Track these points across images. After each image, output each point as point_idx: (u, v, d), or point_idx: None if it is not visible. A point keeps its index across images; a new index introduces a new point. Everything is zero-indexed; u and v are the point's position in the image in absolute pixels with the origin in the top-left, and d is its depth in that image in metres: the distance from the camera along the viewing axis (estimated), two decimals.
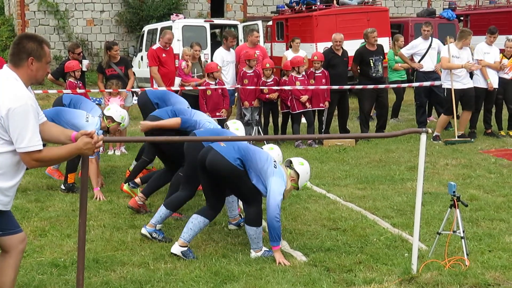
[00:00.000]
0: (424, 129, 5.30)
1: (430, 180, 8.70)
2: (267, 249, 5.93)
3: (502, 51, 12.42)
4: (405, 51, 13.15)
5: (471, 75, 12.00)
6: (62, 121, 7.72)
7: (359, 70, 12.37)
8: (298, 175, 6.11)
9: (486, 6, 25.93)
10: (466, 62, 11.50)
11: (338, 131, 12.44)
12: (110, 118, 8.27)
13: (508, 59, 12.26)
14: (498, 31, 12.50)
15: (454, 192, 5.60)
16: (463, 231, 5.60)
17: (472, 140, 11.68)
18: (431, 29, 12.90)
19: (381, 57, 12.40)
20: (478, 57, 11.92)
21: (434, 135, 11.71)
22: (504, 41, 12.70)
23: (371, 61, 12.09)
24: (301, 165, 6.18)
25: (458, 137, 11.71)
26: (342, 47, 12.32)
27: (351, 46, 14.71)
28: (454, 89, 11.44)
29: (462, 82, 11.59)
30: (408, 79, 14.38)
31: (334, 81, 12.00)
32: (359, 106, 12.62)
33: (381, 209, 7.35)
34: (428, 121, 13.26)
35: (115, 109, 8.46)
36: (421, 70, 12.73)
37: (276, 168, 5.93)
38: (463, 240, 5.56)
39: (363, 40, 13.06)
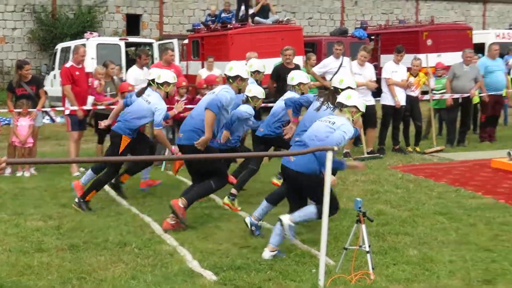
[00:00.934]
0: (330, 146, 5.43)
1: (340, 196, 8.82)
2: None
3: (409, 69, 12.85)
4: (317, 70, 13.39)
5: (380, 92, 12.37)
6: None
7: (275, 87, 12.53)
8: (355, 106, 6.49)
9: (396, 25, 26.81)
10: (367, 80, 11.87)
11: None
12: (165, 83, 8.43)
13: (415, 77, 12.69)
14: (405, 50, 12.93)
15: (359, 208, 5.74)
16: (369, 246, 5.74)
17: (381, 156, 12.01)
18: (342, 48, 13.18)
19: None
20: (386, 76, 12.30)
21: (344, 151, 11.96)
22: (411, 60, 13.17)
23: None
24: (349, 98, 6.55)
25: (368, 153, 12.02)
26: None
27: (267, 64, 14.89)
28: None
29: (364, 99, 11.90)
30: None
31: None
32: None
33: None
34: None
35: (165, 73, 8.63)
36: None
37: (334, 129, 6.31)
38: (368, 254, 5.70)
39: (279, 59, 13.22)
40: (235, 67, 7.87)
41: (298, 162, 6.31)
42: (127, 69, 16.18)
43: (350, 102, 6.54)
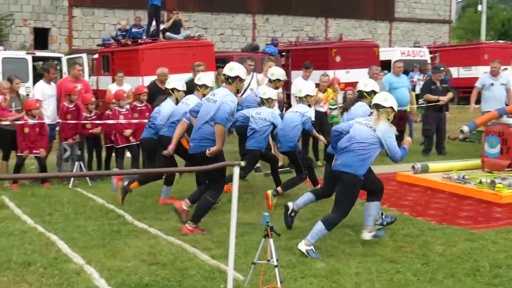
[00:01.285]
0: (237, 162, 5.44)
1: (251, 210, 8.94)
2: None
3: (317, 85, 13.08)
4: None
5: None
6: None
7: None
8: (391, 107, 7.05)
9: (306, 42, 27.30)
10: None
11: None
12: (203, 86, 8.93)
13: (323, 93, 12.93)
14: (314, 66, 13.17)
15: (267, 222, 5.78)
16: (277, 260, 5.78)
17: (292, 170, 12.12)
18: (254, 64, 13.30)
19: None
20: (290, 92, 12.46)
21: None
22: (319, 76, 13.43)
23: None
24: (386, 100, 7.11)
25: (278, 168, 12.11)
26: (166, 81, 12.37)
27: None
28: None
29: None
30: None
31: None
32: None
33: (201, 242, 7.42)
34: None
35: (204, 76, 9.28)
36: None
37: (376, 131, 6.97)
38: (276, 268, 5.74)
39: (190, 74, 13.19)
40: (235, 68, 8.04)
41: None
42: (34, 84, 15.78)
43: (387, 103, 7.13)
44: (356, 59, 22.95)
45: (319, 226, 7.02)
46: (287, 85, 16.22)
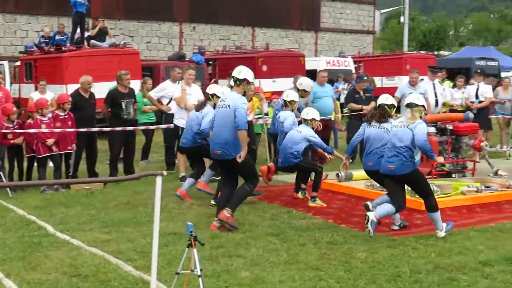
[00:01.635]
0: (159, 171, 5.39)
1: (176, 220, 8.88)
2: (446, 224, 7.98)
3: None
4: (154, 94, 13.37)
5: None
6: None
7: (110, 112, 12.33)
8: (423, 106, 8.22)
9: (233, 51, 27.36)
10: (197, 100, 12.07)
11: (86, 175, 12.21)
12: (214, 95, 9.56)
13: (249, 102, 12.96)
14: None
15: (191, 232, 5.74)
16: (201, 270, 5.73)
17: (218, 179, 12.09)
18: (182, 72, 13.23)
19: (133, 99, 12.49)
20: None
21: (180, 175, 11.97)
22: None
23: (122, 103, 12.13)
24: (419, 99, 8.14)
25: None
26: (89, 90, 12.19)
27: (103, 88, 14.71)
28: None
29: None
30: (157, 121, 14.61)
31: (82, 123, 11.82)
32: (109, 149, 12.54)
33: (124, 252, 7.31)
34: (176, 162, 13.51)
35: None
36: (169, 112, 12.98)
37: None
38: (200, 278, 5.70)
39: (114, 82, 13.04)
40: (244, 71, 8.59)
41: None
42: None
43: (420, 102, 8.12)
44: (283, 68, 23.15)
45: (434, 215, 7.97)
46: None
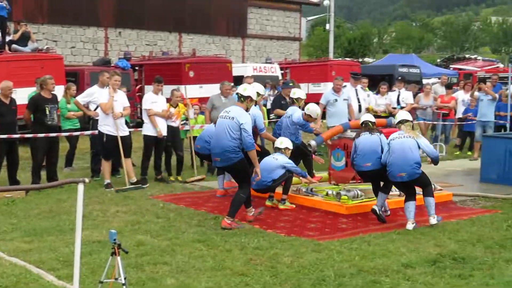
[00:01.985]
0: (81, 179, 5.30)
1: (100, 228, 8.73)
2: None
3: (169, 100, 13.04)
4: (81, 99, 13.12)
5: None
6: None
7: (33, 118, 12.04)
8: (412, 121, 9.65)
9: (159, 57, 27.18)
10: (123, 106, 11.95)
11: (7, 182, 11.85)
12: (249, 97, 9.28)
13: (175, 107, 12.91)
14: (169, 81, 13.11)
15: (114, 240, 5.65)
16: (125, 278, 5.65)
17: (144, 186, 11.99)
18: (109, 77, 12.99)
19: (56, 105, 12.23)
20: (146, 107, 12.34)
21: (105, 183, 11.80)
22: (171, 91, 13.39)
23: (46, 108, 11.86)
24: (408, 115, 9.64)
25: (131, 184, 11.95)
26: (10, 95, 11.86)
27: (24, 94, 14.37)
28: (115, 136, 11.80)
29: (121, 129, 11.93)
30: (82, 127, 14.35)
31: (3, 130, 11.48)
32: (31, 156, 12.23)
33: (47, 262, 7.13)
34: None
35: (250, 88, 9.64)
36: (97, 118, 12.73)
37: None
38: (124, 287, 5.62)
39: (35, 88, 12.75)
40: (248, 89, 9.42)
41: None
42: None
43: (409, 117, 9.53)
44: (209, 75, 23.11)
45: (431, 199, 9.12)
46: (140, 99, 16.07)
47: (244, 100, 9.26)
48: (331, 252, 7.55)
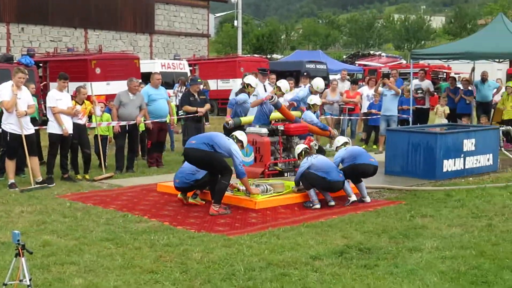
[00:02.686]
0: None
1: (4, 229, 8.46)
2: None
3: (74, 97, 12.79)
4: None
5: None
6: None
7: None
8: None
9: (64, 53, 26.59)
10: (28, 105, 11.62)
11: None
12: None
13: (81, 105, 12.67)
14: (74, 78, 12.83)
15: (18, 240, 5.51)
16: (30, 279, 5.51)
17: (50, 186, 11.70)
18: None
19: None
20: (50, 104, 12.01)
21: (9, 182, 11.45)
22: (76, 88, 13.13)
23: None
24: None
25: (36, 183, 11.63)
26: None
27: None
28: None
29: (25, 127, 11.59)
30: None
31: None
32: None
33: None
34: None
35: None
36: None
37: None
38: None
39: None
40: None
41: None
42: None
43: None
44: (117, 71, 22.83)
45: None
46: (44, 97, 15.66)
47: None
48: (241, 247, 7.60)
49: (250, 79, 13.67)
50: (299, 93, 14.64)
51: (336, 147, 11.22)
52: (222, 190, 9.64)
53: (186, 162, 10.25)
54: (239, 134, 10.29)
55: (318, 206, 10.03)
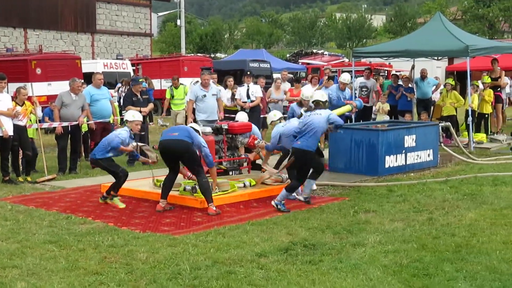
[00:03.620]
0: None
1: None
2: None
3: (13, 98, 12.57)
4: None
5: None
6: None
7: None
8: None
9: (3, 54, 26.07)
10: None
11: None
12: None
13: (21, 106, 12.43)
14: (14, 78, 12.59)
15: None
16: None
17: None
18: None
19: None
20: None
21: None
22: (16, 89, 12.90)
23: None
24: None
25: None
26: None
27: None
28: None
29: None
30: None
31: None
32: None
33: None
34: None
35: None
36: None
37: None
38: None
39: None
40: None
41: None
42: None
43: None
44: (58, 72, 22.52)
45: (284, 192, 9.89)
46: None
47: None
48: (186, 246, 7.59)
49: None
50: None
51: (272, 121, 11.29)
52: (208, 188, 9.68)
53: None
54: (195, 125, 10.60)
55: (301, 198, 10.23)
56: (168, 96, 19.00)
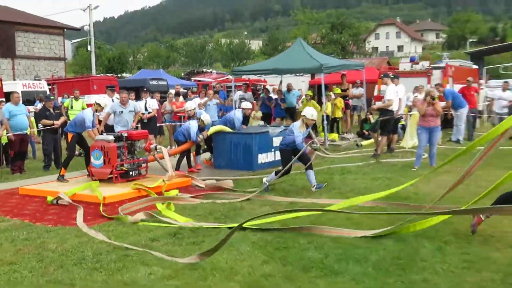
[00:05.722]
0: None
1: None
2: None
3: None
4: None
5: None
6: None
7: None
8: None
9: None
10: None
11: None
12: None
13: None
14: None
15: None
16: None
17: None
18: None
19: None
20: None
21: None
22: None
23: None
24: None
25: None
26: None
27: None
28: None
29: None
30: None
31: None
32: None
33: None
34: None
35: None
36: None
37: None
38: None
39: None
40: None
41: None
42: None
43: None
44: None
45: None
46: None
47: None
48: (89, 237, 7.41)
49: (101, 100, 12.48)
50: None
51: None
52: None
53: None
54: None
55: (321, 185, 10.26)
56: (66, 105, 19.05)
